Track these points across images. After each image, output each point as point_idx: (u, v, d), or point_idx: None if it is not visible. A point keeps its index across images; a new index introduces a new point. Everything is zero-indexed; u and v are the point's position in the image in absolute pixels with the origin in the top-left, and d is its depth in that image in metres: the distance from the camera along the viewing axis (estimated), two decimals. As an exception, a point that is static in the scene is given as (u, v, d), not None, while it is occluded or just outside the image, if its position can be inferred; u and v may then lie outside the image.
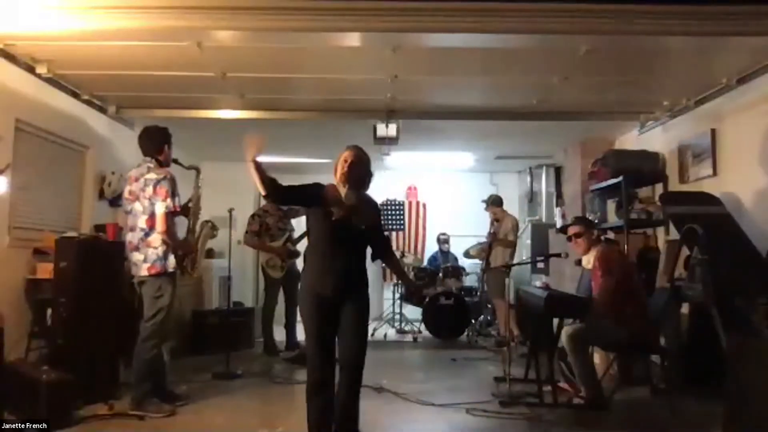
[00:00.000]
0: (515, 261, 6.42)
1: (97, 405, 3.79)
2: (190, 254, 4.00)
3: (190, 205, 4.14)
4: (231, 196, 4.52)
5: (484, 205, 7.26)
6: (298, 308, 3.14)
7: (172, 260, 3.80)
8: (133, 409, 3.71)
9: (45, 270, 4.22)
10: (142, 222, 3.79)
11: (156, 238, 3.76)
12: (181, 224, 4.12)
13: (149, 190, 3.77)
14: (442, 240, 8.46)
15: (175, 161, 4.09)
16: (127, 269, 4.05)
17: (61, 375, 3.54)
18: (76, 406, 3.62)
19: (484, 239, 7.70)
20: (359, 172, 3.03)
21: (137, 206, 3.81)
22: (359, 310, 3.01)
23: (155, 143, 3.96)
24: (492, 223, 6.92)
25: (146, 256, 3.78)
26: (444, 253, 8.40)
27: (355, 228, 2.96)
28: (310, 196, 3.01)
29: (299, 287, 3.08)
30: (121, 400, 3.94)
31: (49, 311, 4.06)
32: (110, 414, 3.70)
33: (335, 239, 2.94)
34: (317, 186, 3.04)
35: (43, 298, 4.16)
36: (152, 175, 3.80)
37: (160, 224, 3.73)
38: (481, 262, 7.52)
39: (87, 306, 4.01)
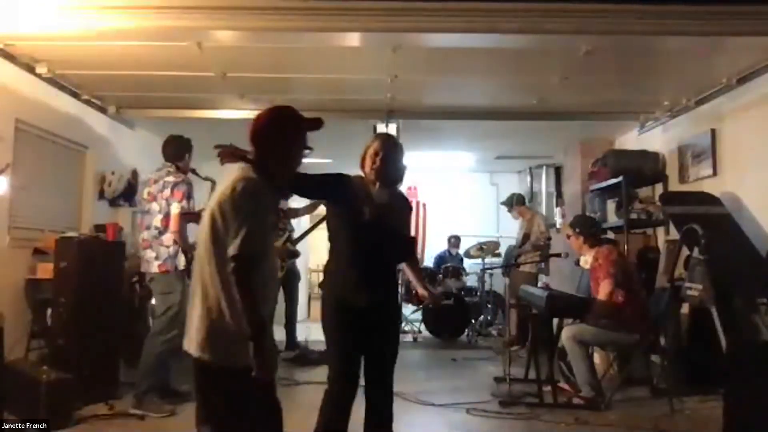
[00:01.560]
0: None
1: (97, 405, 3.79)
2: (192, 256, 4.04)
3: (203, 213, 4.22)
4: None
5: (495, 204, 7.13)
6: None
7: (182, 259, 3.92)
8: (135, 405, 3.76)
9: (45, 270, 4.21)
10: (157, 221, 3.95)
11: (168, 238, 3.92)
12: (192, 230, 4.21)
13: (167, 191, 3.94)
14: (453, 242, 8.41)
15: (193, 171, 4.25)
16: (135, 266, 4.38)
17: (61, 375, 3.54)
18: (76, 406, 3.61)
19: (483, 239, 7.70)
20: (394, 167, 2.63)
21: (154, 206, 3.99)
22: (395, 324, 2.70)
23: (177, 151, 4.14)
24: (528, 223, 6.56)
25: (158, 254, 3.93)
26: (452, 255, 8.38)
27: (388, 229, 2.58)
28: (332, 189, 2.59)
29: (323, 296, 2.67)
30: (121, 400, 3.95)
31: (49, 311, 4.06)
32: (110, 414, 3.70)
33: (367, 242, 2.50)
34: (342, 177, 2.61)
35: (43, 298, 4.16)
36: (171, 178, 3.99)
37: (173, 223, 3.89)
38: (481, 262, 7.52)
39: (87, 306, 4.00)
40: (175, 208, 3.87)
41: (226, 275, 1.89)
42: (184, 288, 3.90)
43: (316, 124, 2.14)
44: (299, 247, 6.13)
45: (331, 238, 2.66)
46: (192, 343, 1.96)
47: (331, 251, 2.67)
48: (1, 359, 3.36)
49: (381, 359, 2.61)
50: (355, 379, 2.52)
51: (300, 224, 6.60)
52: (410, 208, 2.86)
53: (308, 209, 5.52)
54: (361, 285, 2.52)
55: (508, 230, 7.46)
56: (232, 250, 1.86)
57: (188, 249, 3.94)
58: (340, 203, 2.58)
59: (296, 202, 5.04)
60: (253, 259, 1.88)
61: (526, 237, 6.54)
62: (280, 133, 2.08)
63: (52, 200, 4.90)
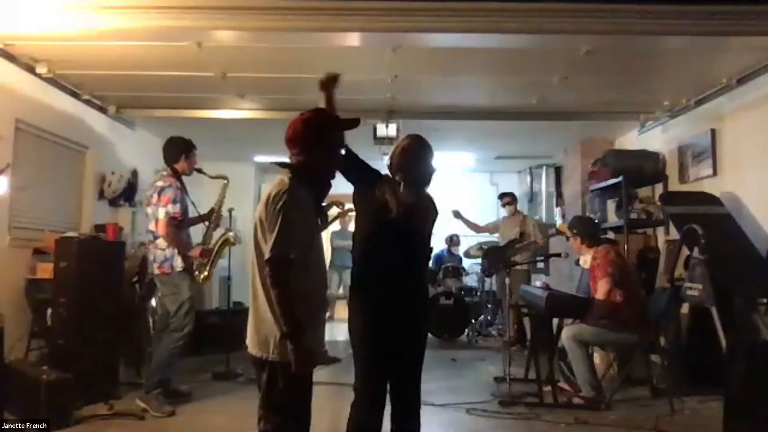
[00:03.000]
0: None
1: (97, 405, 3.79)
2: (190, 258, 4.06)
3: (214, 210, 4.35)
4: (231, 196, 4.51)
5: (496, 204, 7.13)
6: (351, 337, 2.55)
7: (178, 261, 3.98)
8: (141, 397, 3.82)
9: (45, 270, 4.21)
10: (152, 226, 4.04)
11: (162, 241, 3.97)
12: (197, 230, 4.35)
13: (155, 196, 4.00)
14: (455, 241, 8.38)
15: (200, 171, 4.30)
16: (134, 266, 4.60)
17: (61, 375, 3.54)
18: (76, 406, 3.61)
19: (483, 239, 7.69)
20: (421, 169, 2.58)
21: (149, 210, 4.08)
22: (422, 329, 2.61)
23: (173, 153, 4.18)
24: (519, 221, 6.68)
25: (155, 257, 4.02)
26: (452, 254, 8.37)
27: (415, 230, 2.52)
28: (369, 175, 2.53)
29: (351, 307, 2.55)
30: (121, 400, 3.95)
31: (49, 311, 4.06)
32: (110, 414, 3.70)
33: (393, 240, 2.43)
34: (378, 173, 2.56)
35: (43, 298, 4.16)
36: (160, 183, 4.04)
37: (160, 228, 3.94)
38: (482, 262, 7.50)
39: (87, 306, 4.00)
40: (161, 213, 3.93)
41: (265, 279, 2.02)
42: (190, 284, 4.04)
43: (353, 123, 2.22)
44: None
45: (357, 237, 2.58)
46: (249, 341, 2.13)
47: (359, 251, 2.55)
48: (1, 359, 3.36)
49: (408, 367, 2.52)
50: (382, 401, 2.44)
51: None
52: (437, 212, 2.77)
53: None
54: (394, 300, 2.43)
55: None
56: (266, 254, 1.99)
57: (183, 250, 4.00)
58: (368, 197, 2.50)
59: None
60: (284, 262, 1.98)
61: (522, 236, 6.53)
62: (320, 135, 2.15)
63: (52, 200, 4.90)
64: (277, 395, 2.04)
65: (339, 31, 3.63)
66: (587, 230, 4.47)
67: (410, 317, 2.50)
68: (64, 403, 3.49)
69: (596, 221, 5.52)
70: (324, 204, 2.34)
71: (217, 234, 4.37)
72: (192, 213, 4.27)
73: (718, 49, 4.06)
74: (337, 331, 6.20)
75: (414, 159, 2.57)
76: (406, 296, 2.50)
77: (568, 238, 4.56)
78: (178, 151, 4.16)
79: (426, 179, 2.63)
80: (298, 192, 2.04)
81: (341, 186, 2.59)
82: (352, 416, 2.45)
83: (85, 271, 4.03)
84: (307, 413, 2.11)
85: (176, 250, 3.96)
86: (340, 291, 8.51)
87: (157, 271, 4.01)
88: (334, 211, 3.76)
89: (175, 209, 3.94)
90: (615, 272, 4.09)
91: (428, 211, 2.68)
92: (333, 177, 2.24)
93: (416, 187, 2.57)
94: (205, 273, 4.13)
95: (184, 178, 4.19)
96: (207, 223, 4.31)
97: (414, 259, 2.55)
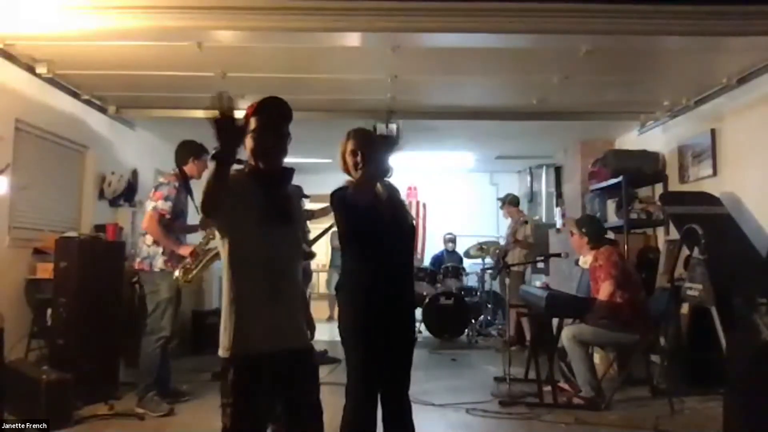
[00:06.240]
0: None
1: (97, 405, 3.79)
2: (181, 257, 3.96)
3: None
4: (231, 196, 4.49)
5: (495, 204, 7.16)
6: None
7: (159, 260, 3.90)
8: (137, 403, 3.80)
9: (45, 270, 4.21)
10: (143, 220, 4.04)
11: (149, 237, 3.94)
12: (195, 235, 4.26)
13: (152, 191, 4.01)
14: (448, 239, 8.39)
15: None
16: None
17: (61, 375, 3.54)
18: (76, 406, 3.62)
19: (483, 239, 7.69)
20: (381, 160, 2.44)
21: (146, 205, 4.10)
22: (412, 343, 2.57)
23: (182, 155, 4.18)
24: (515, 222, 6.72)
25: (139, 251, 4.01)
26: (450, 253, 8.35)
27: (401, 224, 2.48)
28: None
29: (344, 306, 2.51)
30: (121, 400, 3.96)
31: (49, 311, 4.06)
32: (110, 414, 3.70)
33: (386, 242, 2.41)
34: (347, 196, 2.42)
35: (43, 298, 4.16)
36: (160, 179, 4.08)
37: (144, 221, 3.95)
38: (481, 262, 7.51)
39: (87, 306, 4.01)
40: (148, 207, 3.92)
41: (227, 279, 2.01)
42: (173, 285, 3.90)
43: (266, 103, 2.26)
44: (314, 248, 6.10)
45: (347, 246, 2.51)
46: None
47: (350, 257, 2.51)
48: (1, 359, 3.36)
49: (400, 369, 2.51)
50: (376, 401, 2.43)
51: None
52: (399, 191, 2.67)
53: (324, 211, 5.48)
54: (392, 281, 2.43)
55: (508, 230, 7.44)
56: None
57: (168, 247, 3.92)
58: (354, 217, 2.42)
59: (311, 204, 5.02)
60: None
61: (512, 236, 6.61)
62: (245, 126, 2.18)
63: (52, 200, 4.90)
64: (222, 390, 1.97)
65: (339, 31, 3.63)
66: (595, 231, 4.45)
67: (404, 317, 2.52)
68: (64, 403, 3.49)
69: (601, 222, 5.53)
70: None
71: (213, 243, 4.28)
72: (192, 216, 4.21)
73: (718, 49, 4.06)
74: (337, 331, 6.19)
75: (369, 157, 2.43)
76: (401, 297, 2.50)
77: (572, 234, 4.54)
78: (187, 154, 4.14)
79: (388, 169, 2.49)
80: (236, 182, 2.08)
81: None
82: (345, 417, 2.43)
83: (85, 271, 4.03)
84: (254, 412, 1.98)
85: (160, 250, 3.89)
86: None
87: (137, 266, 3.99)
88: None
89: (164, 206, 3.88)
90: (618, 275, 4.09)
91: (398, 196, 2.58)
92: (271, 161, 2.19)
93: (381, 179, 2.47)
94: (189, 276, 3.86)
95: (194, 182, 4.14)
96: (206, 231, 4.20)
97: (406, 257, 2.56)
